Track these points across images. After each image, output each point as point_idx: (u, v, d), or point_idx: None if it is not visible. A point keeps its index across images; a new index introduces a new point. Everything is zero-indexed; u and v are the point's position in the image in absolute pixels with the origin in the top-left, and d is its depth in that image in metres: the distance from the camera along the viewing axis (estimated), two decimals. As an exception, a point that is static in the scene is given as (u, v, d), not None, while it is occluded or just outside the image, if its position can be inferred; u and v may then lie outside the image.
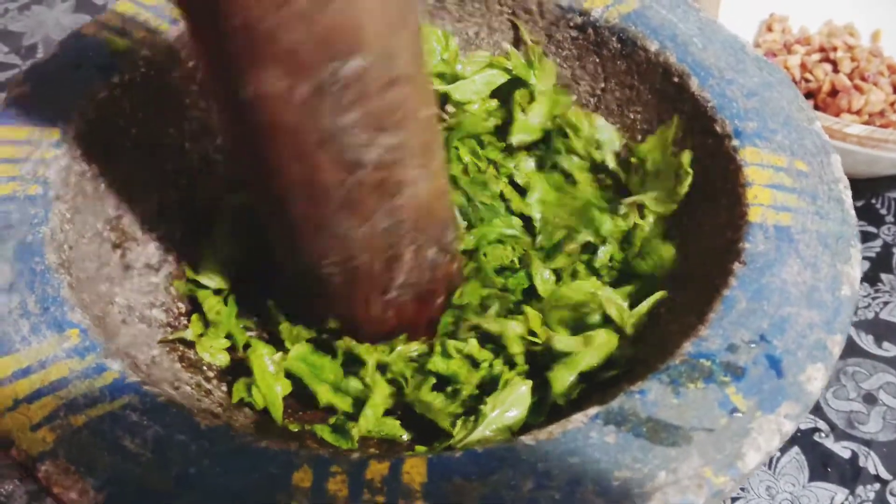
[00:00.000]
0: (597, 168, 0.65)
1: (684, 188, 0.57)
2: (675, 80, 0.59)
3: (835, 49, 0.91)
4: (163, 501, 0.38)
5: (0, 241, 0.48)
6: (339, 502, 0.37)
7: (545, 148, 0.66)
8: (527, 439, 0.39)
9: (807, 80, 0.90)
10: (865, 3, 0.96)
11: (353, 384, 0.54)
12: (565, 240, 0.61)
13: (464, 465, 0.38)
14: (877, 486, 0.65)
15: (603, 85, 0.66)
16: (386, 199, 0.47)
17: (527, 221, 0.64)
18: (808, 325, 0.44)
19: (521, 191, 0.65)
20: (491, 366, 0.54)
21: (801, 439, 0.68)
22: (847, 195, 0.51)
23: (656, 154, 0.60)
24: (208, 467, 0.39)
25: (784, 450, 0.67)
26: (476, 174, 0.65)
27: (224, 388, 0.56)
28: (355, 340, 0.55)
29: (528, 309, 0.55)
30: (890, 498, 0.64)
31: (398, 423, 0.53)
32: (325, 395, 0.54)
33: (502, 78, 0.68)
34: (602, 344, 0.51)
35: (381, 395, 0.54)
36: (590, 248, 0.61)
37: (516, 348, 0.54)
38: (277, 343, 0.57)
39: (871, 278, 0.79)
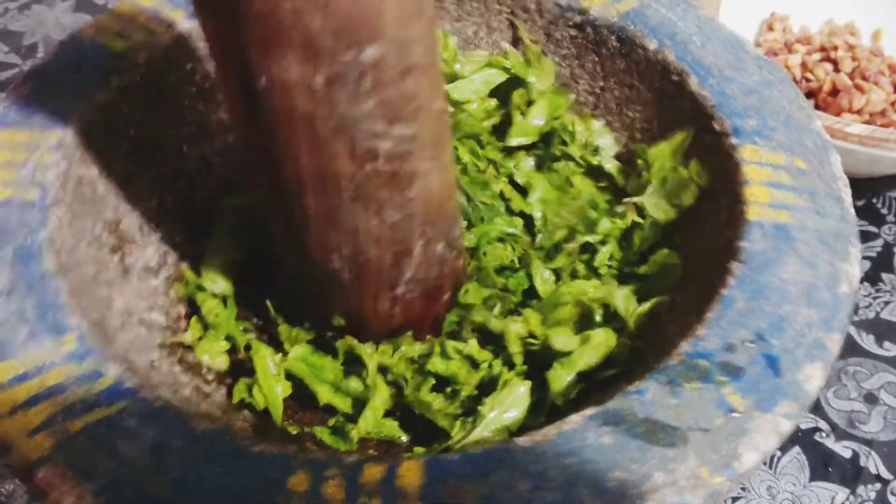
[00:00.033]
0: (594, 172, 0.65)
1: (690, 199, 0.57)
2: (675, 78, 0.59)
3: (835, 48, 0.90)
4: (160, 506, 0.38)
5: (-2, 245, 0.48)
6: (335, 505, 0.37)
7: (544, 147, 0.66)
8: (523, 440, 0.39)
9: (807, 80, 0.89)
10: (866, 2, 0.96)
11: (354, 384, 0.54)
12: (565, 239, 0.61)
13: (460, 467, 0.38)
14: (878, 485, 0.65)
15: (602, 84, 0.66)
16: (398, 192, 0.47)
17: (527, 221, 0.64)
18: (807, 323, 0.44)
19: (521, 190, 0.65)
20: (490, 366, 0.54)
21: (802, 439, 0.68)
22: (846, 193, 0.51)
23: (666, 161, 0.59)
24: (205, 471, 0.39)
25: (785, 449, 0.67)
26: (476, 174, 0.65)
27: (223, 390, 0.56)
28: (360, 338, 0.55)
29: (526, 310, 0.55)
30: (891, 497, 0.64)
31: (397, 424, 0.53)
32: (325, 395, 0.54)
33: (501, 77, 0.68)
34: (600, 343, 0.51)
35: (382, 397, 0.53)
36: (589, 248, 0.61)
37: (515, 348, 0.54)
38: (277, 344, 0.57)
39: (871, 278, 0.79)
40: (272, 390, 0.53)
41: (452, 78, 0.67)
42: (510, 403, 0.50)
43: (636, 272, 0.57)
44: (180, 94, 0.62)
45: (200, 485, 0.38)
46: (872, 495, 0.64)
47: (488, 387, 0.53)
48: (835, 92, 0.87)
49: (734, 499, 0.64)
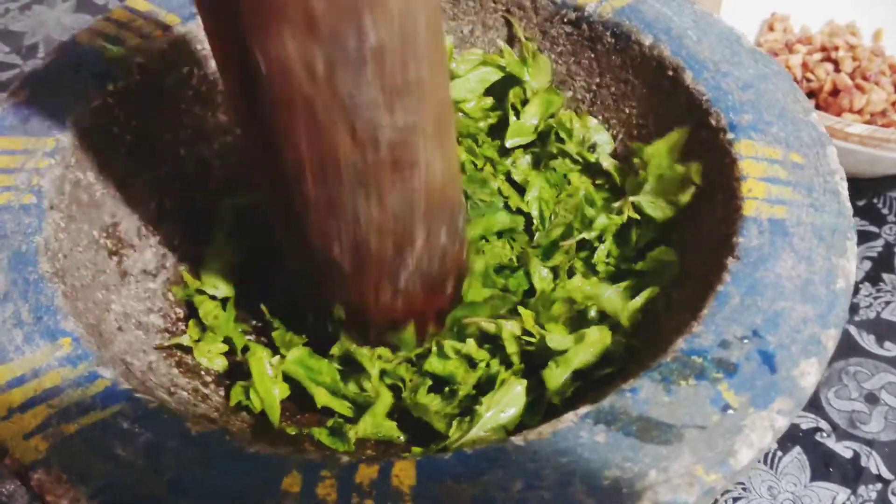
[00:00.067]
0: (591, 170, 0.64)
1: (687, 197, 0.57)
2: (670, 73, 0.59)
3: (836, 48, 0.90)
4: (154, 508, 0.38)
5: (-6, 250, 0.48)
6: (328, 506, 0.37)
7: (541, 145, 0.66)
8: (517, 439, 0.39)
9: (808, 80, 0.89)
10: (867, 2, 0.95)
11: (352, 388, 0.54)
12: (562, 237, 0.61)
13: (453, 467, 0.38)
14: (878, 485, 0.65)
15: (598, 80, 0.65)
16: (400, 180, 0.46)
17: (524, 219, 0.64)
18: (802, 319, 0.44)
19: (519, 188, 0.65)
20: (488, 366, 0.54)
21: (803, 439, 0.67)
22: (843, 187, 0.50)
23: (662, 159, 0.59)
24: (200, 473, 0.39)
25: (786, 449, 0.67)
26: (473, 172, 0.65)
27: (221, 392, 0.56)
28: (362, 330, 0.54)
29: (521, 308, 0.55)
30: (892, 497, 0.64)
31: (395, 424, 0.53)
32: (322, 398, 0.54)
33: (496, 75, 0.68)
34: (595, 341, 0.51)
35: (384, 403, 0.53)
36: (587, 245, 0.61)
37: (512, 348, 0.54)
38: (275, 347, 0.57)
39: (872, 278, 0.79)
40: (269, 393, 0.53)
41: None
42: (507, 403, 0.50)
43: (633, 269, 0.57)
44: (177, 98, 0.62)
45: (195, 486, 0.38)
46: (873, 495, 0.64)
47: (486, 386, 0.53)
48: (835, 92, 0.87)
49: (735, 499, 0.64)
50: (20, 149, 0.54)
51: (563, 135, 0.65)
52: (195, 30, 0.62)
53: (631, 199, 0.59)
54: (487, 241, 0.61)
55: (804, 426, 0.68)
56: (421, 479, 0.38)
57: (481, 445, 0.40)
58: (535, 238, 0.63)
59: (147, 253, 0.60)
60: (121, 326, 0.54)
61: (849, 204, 0.49)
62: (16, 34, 1.07)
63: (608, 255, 0.59)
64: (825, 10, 0.97)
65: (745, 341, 0.43)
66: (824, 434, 0.68)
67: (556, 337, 0.52)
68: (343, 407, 0.54)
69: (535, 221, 0.63)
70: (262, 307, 0.57)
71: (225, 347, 0.58)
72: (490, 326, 0.54)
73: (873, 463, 0.66)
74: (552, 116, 0.66)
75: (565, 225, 0.61)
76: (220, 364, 0.57)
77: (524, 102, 0.67)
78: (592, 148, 0.65)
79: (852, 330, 0.74)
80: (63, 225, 0.52)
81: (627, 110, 0.64)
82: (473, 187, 0.63)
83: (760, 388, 0.41)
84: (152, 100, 0.60)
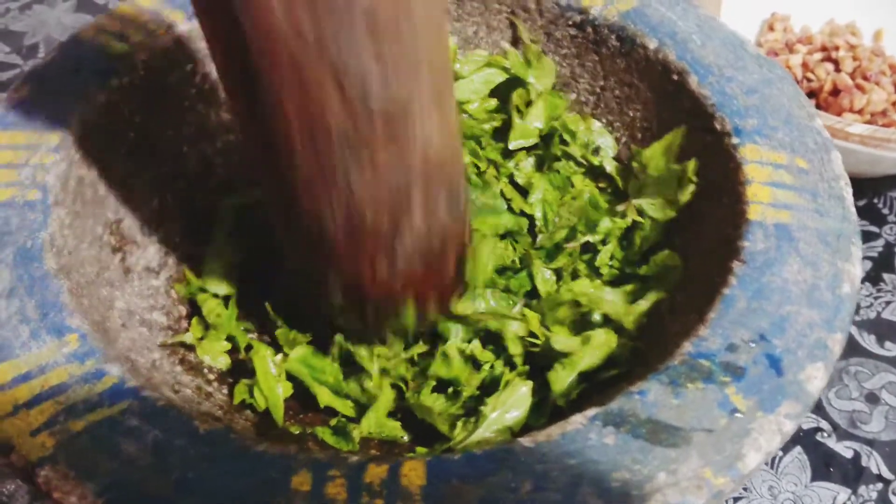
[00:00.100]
0: (594, 173, 0.65)
1: (686, 196, 0.57)
2: (675, 77, 0.59)
3: (837, 48, 0.90)
4: (162, 506, 0.38)
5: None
6: (337, 506, 0.37)
7: (545, 147, 0.66)
8: (525, 441, 0.39)
9: (808, 80, 0.89)
10: (867, 2, 0.96)
11: (354, 387, 0.54)
12: (566, 239, 0.61)
13: (462, 467, 0.38)
14: (879, 485, 0.65)
15: (602, 83, 0.66)
16: (394, 148, 0.44)
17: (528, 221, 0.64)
18: (809, 323, 0.44)
19: (521, 190, 0.65)
20: (492, 367, 0.54)
21: (804, 439, 0.68)
22: (847, 192, 0.51)
23: (659, 161, 0.59)
24: (207, 471, 0.39)
25: (786, 449, 0.67)
26: (476, 174, 0.65)
27: (225, 390, 0.56)
28: (360, 312, 0.53)
29: (526, 310, 0.55)
30: (892, 497, 0.64)
31: (399, 424, 0.53)
32: (325, 397, 0.54)
33: (500, 77, 0.68)
34: (601, 344, 0.51)
35: (386, 401, 0.54)
36: (590, 248, 0.61)
37: (516, 349, 0.54)
38: (278, 345, 0.57)
39: (873, 278, 0.79)
40: (272, 391, 0.53)
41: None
42: (512, 404, 0.50)
43: (637, 272, 0.57)
44: (180, 95, 0.62)
45: (202, 485, 0.38)
46: (874, 495, 0.64)
47: (490, 387, 0.53)
48: (836, 92, 0.87)
49: (735, 499, 0.64)
50: (24, 144, 0.53)
51: (566, 137, 0.65)
52: (199, 27, 0.62)
53: (634, 202, 0.59)
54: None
55: (805, 426, 0.68)
56: (430, 478, 0.38)
57: (488, 446, 0.40)
58: (538, 240, 0.63)
59: (150, 250, 0.60)
60: (125, 323, 0.54)
61: (853, 209, 0.50)
62: (16, 34, 1.06)
63: (611, 258, 0.59)
64: (825, 10, 0.97)
65: (753, 345, 0.43)
66: (825, 434, 0.68)
67: (562, 339, 0.52)
68: (346, 407, 0.54)
69: (538, 224, 0.63)
70: (266, 305, 0.57)
71: (228, 345, 0.58)
72: (495, 325, 0.54)
73: (874, 463, 0.66)
74: (556, 119, 0.66)
75: (569, 227, 0.62)
76: (223, 362, 0.57)
77: (528, 104, 0.67)
78: (596, 151, 0.65)
79: (853, 330, 0.75)
80: (68, 221, 0.52)
81: (631, 114, 0.64)
82: (476, 190, 0.63)
83: (767, 391, 0.41)
84: (155, 97, 0.60)
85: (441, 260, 0.53)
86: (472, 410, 0.52)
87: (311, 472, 0.38)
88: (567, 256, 0.60)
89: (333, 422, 0.52)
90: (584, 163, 0.65)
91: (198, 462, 0.39)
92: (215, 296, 0.59)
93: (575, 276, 0.59)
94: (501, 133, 0.67)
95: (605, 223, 0.60)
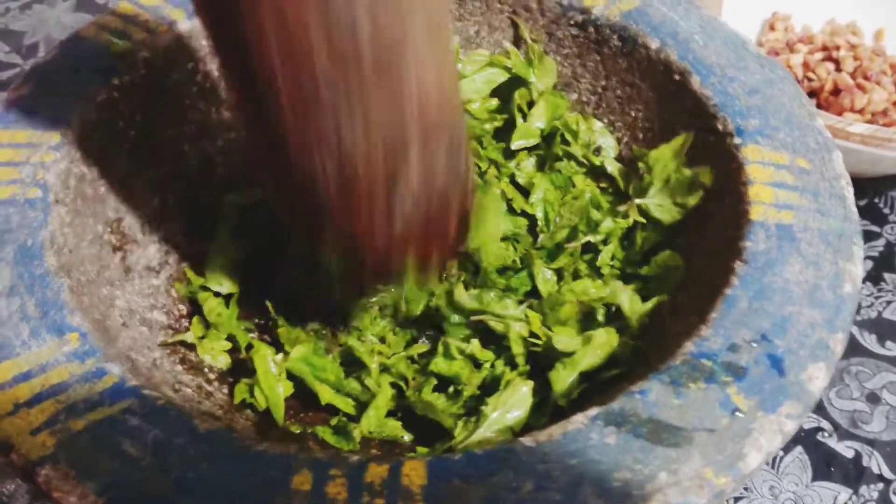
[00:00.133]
0: (596, 173, 0.65)
1: (695, 200, 0.57)
2: (677, 77, 0.59)
3: (837, 48, 0.90)
4: (162, 506, 0.38)
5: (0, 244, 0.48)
6: (338, 505, 0.37)
7: (546, 147, 0.66)
8: (527, 440, 0.39)
9: (809, 79, 0.89)
10: (868, 2, 0.96)
11: (354, 385, 0.54)
12: (567, 239, 0.61)
13: (463, 467, 0.38)
14: (880, 485, 0.65)
15: (604, 83, 0.65)
16: (387, 92, 0.41)
17: (529, 221, 0.64)
18: (810, 323, 0.44)
19: (523, 191, 0.65)
20: (493, 366, 0.54)
21: (805, 439, 0.68)
22: (849, 192, 0.51)
23: (668, 163, 0.59)
24: (208, 471, 0.39)
25: (787, 449, 0.67)
26: (477, 174, 0.65)
27: (225, 389, 0.56)
28: (357, 280, 0.53)
29: (527, 310, 0.55)
30: (893, 497, 0.64)
31: (399, 424, 0.53)
32: (326, 395, 0.54)
33: (502, 76, 0.68)
34: (603, 343, 0.51)
35: (385, 397, 0.53)
36: (591, 248, 0.61)
37: (518, 349, 0.54)
38: (279, 344, 0.57)
39: (874, 277, 0.79)
40: (273, 390, 0.53)
41: (454, 77, 0.67)
42: (513, 403, 0.50)
43: (638, 273, 0.57)
44: (181, 93, 0.62)
45: (203, 484, 0.38)
46: (875, 495, 0.64)
47: (490, 387, 0.53)
48: (836, 91, 0.87)
49: (736, 499, 0.64)
50: (25, 142, 0.53)
51: (568, 137, 0.65)
52: (199, 26, 0.62)
53: (637, 202, 0.59)
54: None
55: (806, 426, 0.68)
56: (431, 478, 0.38)
57: (489, 446, 0.40)
58: (539, 240, 0.63)
59: (150, 249, 0.60)
60: (125, 322, 0.54)
61: (855, 209, 0.50)
62: (16, 33, 1.06)
63: (613, 259, 0.59)
64: (826, 10, 0.97)
65: (754, 345, 0.43)
66: (826, 434, 0.68)
67: (564, 339, 0.52)
68: (346, 405, 0.54)
69: (539, 223, 0.63)
70: (268, 304, 0.57)
71: (228, 345, 0.58)
72: (498, 325, 0.54)
73: (875, 463, 0.66)
74: (558, 119, 0.66)
75: (570, 227, 0.61)
76: (224, 361, 0.57)
77: (530, 104, 0.67)
78: (597, 151, 0.65)
79: (854, 330, 0.75)
80: (68, 219, 0.52)
81: (633, 114, 0.64)
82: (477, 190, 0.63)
83: (769, 391, 0.41)
84: (157, 95, 0.60)
85: (442, 224, 0.50)
86: (473, 410, 0.52)
87: (312, 472, 0.38)
88: (568, 256, 0.60)
89: (334, 421, 0.52)
90: (586, 163, 0.65)
91: (198, 462, 0.39)
92: (216, 295, 0.59)
93: (576, 276, 0.59)
94: (503, 133, 0.67)
95: (607, 223, 0.60)
